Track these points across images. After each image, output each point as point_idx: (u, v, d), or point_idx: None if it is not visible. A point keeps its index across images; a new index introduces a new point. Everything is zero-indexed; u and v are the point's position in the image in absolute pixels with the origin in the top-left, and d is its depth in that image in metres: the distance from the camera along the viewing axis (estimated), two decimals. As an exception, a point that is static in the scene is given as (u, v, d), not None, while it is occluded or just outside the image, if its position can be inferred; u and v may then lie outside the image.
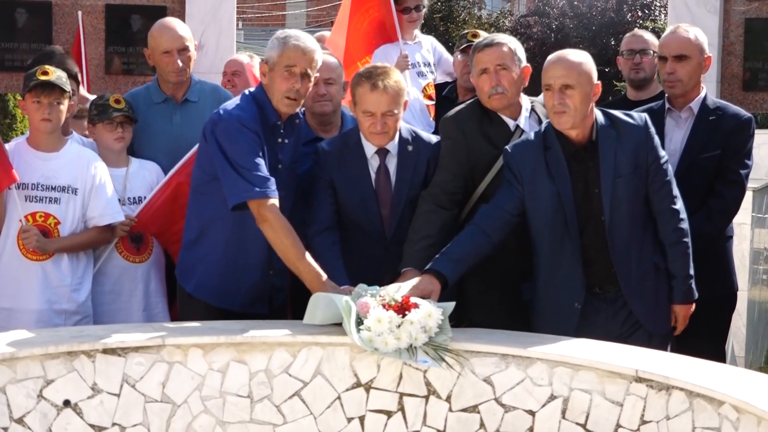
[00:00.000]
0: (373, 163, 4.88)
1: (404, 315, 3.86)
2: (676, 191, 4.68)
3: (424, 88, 6.62)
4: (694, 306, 4.64)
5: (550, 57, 4.69)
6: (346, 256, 4.82)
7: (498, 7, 43.82)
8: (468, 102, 5.08)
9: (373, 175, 4.89)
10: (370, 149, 4.87)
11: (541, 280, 4.69)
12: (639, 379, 3.68)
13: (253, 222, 4.60)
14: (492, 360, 3.92)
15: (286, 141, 4.85)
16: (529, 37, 26.43)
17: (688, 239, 4.64)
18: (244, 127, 4.63)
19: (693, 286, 4.63)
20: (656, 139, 4.68)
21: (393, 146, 4.88)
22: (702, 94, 5.23)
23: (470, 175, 4.86)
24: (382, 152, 4.88)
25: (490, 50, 4.79)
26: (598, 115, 4.62)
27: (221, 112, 4.73)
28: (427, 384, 3.95)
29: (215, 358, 3.96)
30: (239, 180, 4.55)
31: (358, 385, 3.97)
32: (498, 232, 4.57)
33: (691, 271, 4.61)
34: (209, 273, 4.86)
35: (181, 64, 5.42)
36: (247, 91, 4.90)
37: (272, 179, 4.58)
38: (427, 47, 6.90)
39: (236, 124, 4.66)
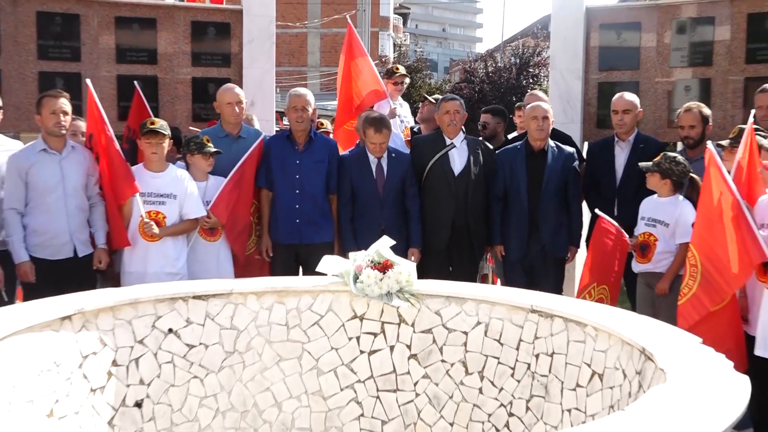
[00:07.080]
0: (374, 162, 5.67)
1: (384, 272, 3.84)
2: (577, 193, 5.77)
3: (403, 130, 6.83)
4: None
5: (530, 105, 5.77)
6: (359, 216, 5.62)
7: (441, 77, 43.86)
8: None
9: (374, 169, 5.65)
10: (373, 156, 5.67)
11: (511, 228, 5.68)
12: (533, 311, 3.69)
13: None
14: (440, 300, 3.93)
15: (304, 149, 5.59)
16: (462, 96, 26.38)
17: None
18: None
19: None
20: (577, 162, 5.71)
21: (384, 154, 5.68)
22: (635, 132, 5.91)
23: (422, 169, 5.76)
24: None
25: (452, 102, 5.80)
26: (550, 139, 5.72)
27: None
28: (399, 316, 3.96)
29: (264, 301, 3.96)
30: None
31: (355, 317, 3.98)
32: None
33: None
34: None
35: (237, 110, 5.64)
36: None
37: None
38: (405, 108, 7.12)
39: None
